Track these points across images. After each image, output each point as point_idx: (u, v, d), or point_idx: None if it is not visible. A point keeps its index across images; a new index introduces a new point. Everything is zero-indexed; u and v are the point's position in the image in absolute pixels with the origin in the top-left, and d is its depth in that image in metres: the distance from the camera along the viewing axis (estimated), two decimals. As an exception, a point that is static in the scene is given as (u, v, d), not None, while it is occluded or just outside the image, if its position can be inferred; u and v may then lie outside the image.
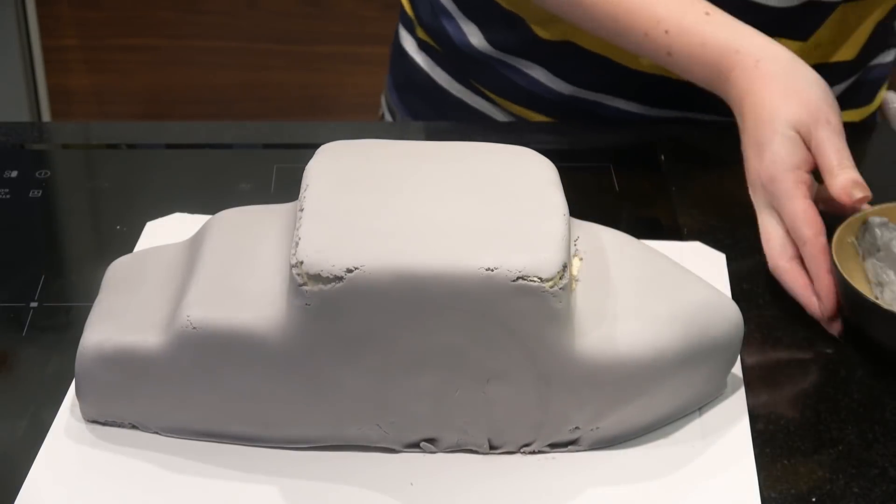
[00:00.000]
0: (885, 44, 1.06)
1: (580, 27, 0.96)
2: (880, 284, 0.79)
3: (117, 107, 2.33)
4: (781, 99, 0.83)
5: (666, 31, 0.89)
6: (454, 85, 1.08)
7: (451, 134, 1.01)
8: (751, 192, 0.84)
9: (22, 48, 2.20)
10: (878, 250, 0.79)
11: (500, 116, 1.07)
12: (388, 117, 1.16)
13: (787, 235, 0.80)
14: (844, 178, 0.79)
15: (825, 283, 0.77)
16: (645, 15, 0.90)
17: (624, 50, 0.95)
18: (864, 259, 0.80)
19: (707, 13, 0.88)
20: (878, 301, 0.75)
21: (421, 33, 1.10)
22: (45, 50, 2.25)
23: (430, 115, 1.10)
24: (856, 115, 1.07)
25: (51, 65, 2.27)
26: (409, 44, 1.12)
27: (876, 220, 0.80)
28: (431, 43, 1.09)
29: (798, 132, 0.81)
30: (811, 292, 0.78)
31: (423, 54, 1.11)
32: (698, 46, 0.88)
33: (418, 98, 1.12)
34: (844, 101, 1.06)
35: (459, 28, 1.05)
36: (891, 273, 0.79)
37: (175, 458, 0.67)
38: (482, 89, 1.07)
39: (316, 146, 0.73)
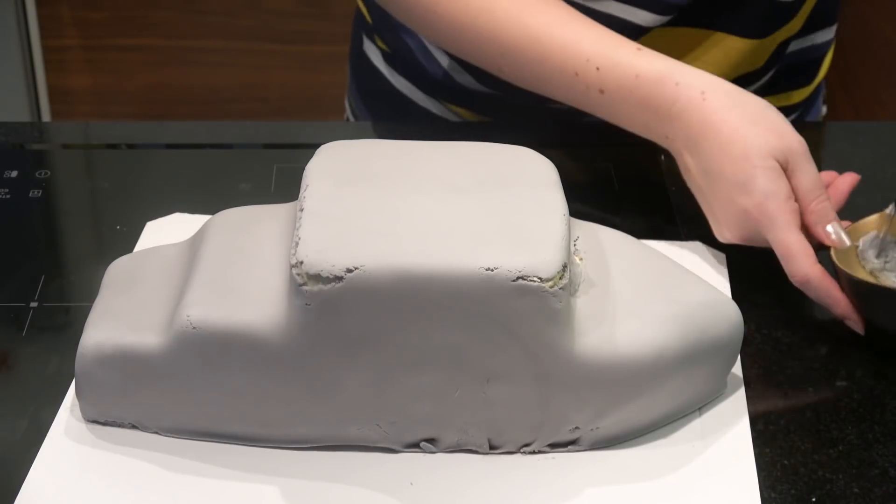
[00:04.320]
0: (826, 20, 1.04)
1: (505, 75, 0.90)
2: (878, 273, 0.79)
3: (117, 107, 2.33)
4: (749, 129, 0.79)
5: (597, 69, 0.83)
6: (418, 94, 1.06)
7: (453, 134, 1.01)
8: (731, 231, 0.81)
9: (22, 48, 2.20)
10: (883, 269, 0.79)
11: None
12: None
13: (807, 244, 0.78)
14: (825, 220, 0.79)
15: (842, 300, 0.77)
16: (574, 53, 0.84)
17: (548, 95, 0.89)
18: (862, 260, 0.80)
19: (638, 48, 0.84)
20: (876, 282, 0.75)
21: (381, 43, 1.07)
22: (45, 50, 2.25)
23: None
24: (799, 95, 1.06)
25: (51, 65, 2.27)
26: (372, 52, 1.09)
27: (865, 244, 0.80)
28: (393, 54, 1.06)
29: (777, 161, 0.79)
30: (841, 293, 0.77)
31: (387, 65, 1.07)
32: (632, 79, 0.82)
33: (385, 106, 1.09)
34: (792, 82, 1.05)
35: (424, 47, 1.02)
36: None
37: (175, 458, 0.67)
38: (451, 106, 1.05)
39: (316, 146, 0.73)
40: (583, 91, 0.85)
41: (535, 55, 0.86)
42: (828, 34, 1.05)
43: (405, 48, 1.04)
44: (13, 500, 0.65)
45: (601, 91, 0.84)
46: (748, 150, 0.78)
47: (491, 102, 1.03)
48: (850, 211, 0.83)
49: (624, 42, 0.84)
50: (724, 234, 0.82)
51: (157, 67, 2.30)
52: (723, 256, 0.84)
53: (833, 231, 0.79)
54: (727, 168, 0.79)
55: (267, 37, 2.27)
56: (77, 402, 0.69)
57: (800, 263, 0.77)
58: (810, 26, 1.03)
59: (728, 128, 0.79)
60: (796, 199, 0.79)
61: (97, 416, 0.69)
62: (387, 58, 1.07)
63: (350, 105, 1.15)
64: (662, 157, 0.96)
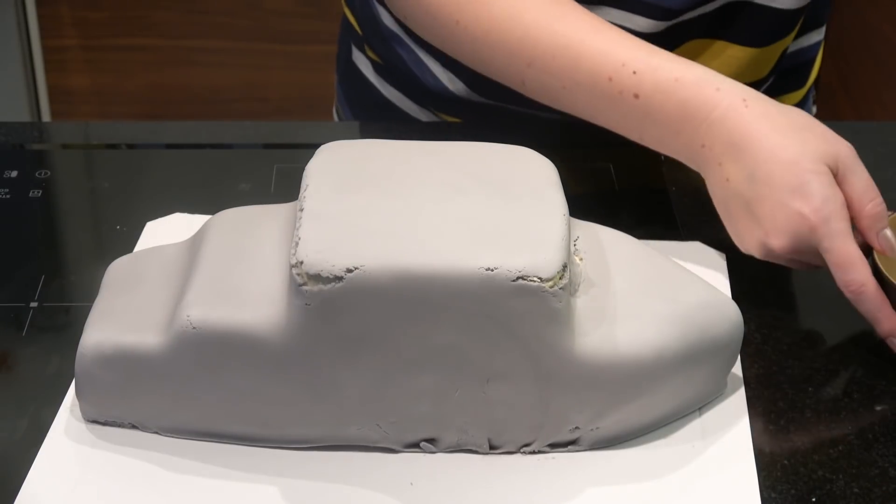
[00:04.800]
0: (815, 22, 1.04)
1: (527, 88, 0.88)
2: None
3: (117, 107, 2.34)
4: (798, 134, 0.78)
5: (634, 72, 0.81)
6: (409, 105, 1.05)
7: (454, 134, 1.01)
8: (780, 238, 0.78)
9: (22, 48, 2.20)
10: None
11: None
12: None
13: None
14: (880, 224, 0.77)
15: (893, 316, 0.76)
16: (609, 58, 0.82)
17: (571, 109, 0.87)
18: None
19: (674, 55, 0.82)
20: None
21: (372, 54, 1.06)
22: (45, 50, 2.25)
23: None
24: (790, 99, 1.06)
25: (51, 65, 2.27)
26: (361, 62, 1.08)
27: None
28: (385, 65, 1.05)
29: (828, 167, 0.77)
30: (892, 309, 0.76)
31: (377, 75, 1.06)
32: (672, 82, 0.80)
33: (375, 115, 1.08)
34: (785, 87, 1.05)
35: (417, 57, 1.02)
36: None
37: (175, 458, 0.67)
38: (444, 116, 1.04)
39: (316, 146, 0.73)
40: (615, 97, 0.83)
41: (566, 61, 0.84)
42: (817, 36, 1.05)
43: (398, 59, 1.03)
44: (13, 500, 0.65)
45: (636, 95, 0.82)
46: (799, 154, 0.77)
47: (484, 111, 1.02)
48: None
49: (659, 49, 0.83)
50: (770, 241, 0.78)
51: (157, 67, 2.30)
52: (723, 256, 0.84)
53: (890, 237, 0.77)
54: (777, 171, 0.77)
55: (267, 37, 2.27)
56: (77, 402, 0.69)
57: (859, 272, 0.75)
58: (801, 29, 1.03)
59: (776, 133, 0.78)
60: (849, 204, 0.77)
61: (97, 416, 0.69)
62: (377, 68, 1.06)
63: (338, 114, 1.15)
64: (662, 158, 0.96)
